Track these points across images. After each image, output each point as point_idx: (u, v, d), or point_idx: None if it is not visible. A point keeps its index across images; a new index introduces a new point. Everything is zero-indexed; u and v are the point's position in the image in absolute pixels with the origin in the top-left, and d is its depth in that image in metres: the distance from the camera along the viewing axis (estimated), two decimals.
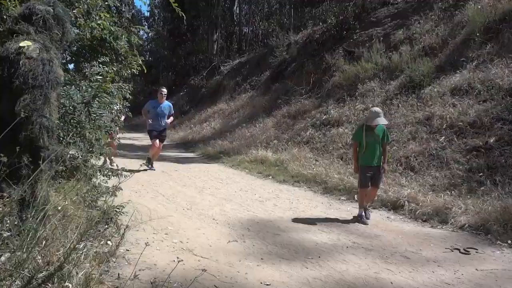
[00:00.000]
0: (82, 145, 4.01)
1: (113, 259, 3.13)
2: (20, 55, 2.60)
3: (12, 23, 2.83)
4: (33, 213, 2.12)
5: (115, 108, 4.59)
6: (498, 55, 7.14)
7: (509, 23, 7.50)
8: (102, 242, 3.20)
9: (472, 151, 5.71)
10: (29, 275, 1.98)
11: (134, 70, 4.71)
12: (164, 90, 8.43)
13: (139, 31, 5.24)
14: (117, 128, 4.72)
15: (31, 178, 2.17)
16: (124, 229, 3.34)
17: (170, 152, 12.75)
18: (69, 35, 3.03)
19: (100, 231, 3.41)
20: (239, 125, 13.33)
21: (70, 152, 4.41)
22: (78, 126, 3.95)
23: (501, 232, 4.02)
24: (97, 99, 4.08)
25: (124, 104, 4.86)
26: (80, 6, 4.26)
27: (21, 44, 2.66)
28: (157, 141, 8.22)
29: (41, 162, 2.17)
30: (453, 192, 5.09)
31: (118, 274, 2.90)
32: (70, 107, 3.96)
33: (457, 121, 6.37)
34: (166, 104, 8.33)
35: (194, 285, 2.85)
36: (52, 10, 2.90)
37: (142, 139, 18.01)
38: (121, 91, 4.49)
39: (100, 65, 4.29)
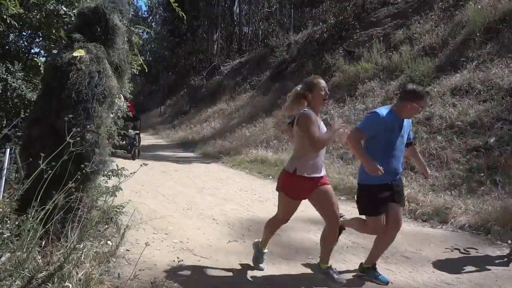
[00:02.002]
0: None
1: (113, 259, 3.13)
2: (71, 66, 2.57)
3: (69, 31, 2.80)
4: (33, 213, 2.13)
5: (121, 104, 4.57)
6: (498, 55, 7.14)
7: (509, 23, 7.50)
8: (102, 242, 3.20)
9: (472, 151, 5.71)
10: (29, 275, 1.98)
11: (134, 70, 4.70)
12: None
13: (142, 32, 5.24)
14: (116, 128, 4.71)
15: (69, 186, 2.15)
16: (124, 229, 3.34)
17: (170, 152, 12.75)
18: (118, 29, 2.85)
19: (100, 231, 3.41)
20: (239, 125, 13.33)
21: None
22: None
23: (501, 232, 4.02)
24: None
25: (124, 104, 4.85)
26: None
27: (75, 53, 2.62)
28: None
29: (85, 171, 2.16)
30: (453, 192, 5.09)
31: (118, 274, 2.90)
32: None
33: (457, 121, 6.37)
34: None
35: (194, 285, 2.86)
36: (92, 5, 2.78)
37: (142, 139, 18.02)
38: (121, 91, 4.48)
39: None
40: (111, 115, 3.02)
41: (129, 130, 10.15)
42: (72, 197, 2.20)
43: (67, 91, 2.58)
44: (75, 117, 2.56)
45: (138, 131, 10.84)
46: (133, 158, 9.95)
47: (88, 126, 2.58)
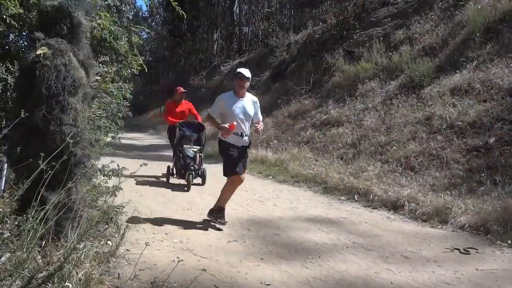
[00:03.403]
0: None
1: (113, 259, 3.13)
2: (37, 64, 2.59)
3: (30, 32, 2.85)
4: (33, 213, 2.13)
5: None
6: (498, 55, 7.14)
7: (509, 23, 7.50)
8: (102, 242, 3.20)
9: (472, 151, 5.70)
10: (29, 275, 1.98)
11: (134, 70, 4.71)
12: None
13: (141, 32, 5.25)
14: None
15: (62, 183, 2.18)
16: (124, 229, 3.35)
17: (170, 152, 12.74)
18: (83, 27, 2.86)
19: (100, 231, 3.41)
20: None
21: None
22: None
23: (501, 232, 4.02)
24: (96, 99, 4.07)
25: (124, 104, 4.85)
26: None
27: (38, 52, 2.64)
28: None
29: (71, 167, 2.18)
30: (453, 192, 5.09)
31: (118, 274, 2.90)
32: None
33: (457, 121, 6.37)
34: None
35: (194, 285, 2.85)
36: (55, 3, 2.78)
37: (142, 139, 18.02)
38: (121, 91, 4.49)
39: (100, 65, 4.29)
40: (89, 108, 3.02)
41: (187, 146, 6.90)
42: (60, 195, 2.20)
43: (37, 88, 2.59)
44: (49, 112, 2.57)
45: (202, 146, 7.14)
46: (187, 188, 6.46)
47: (65, 119, 2.58)
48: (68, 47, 2.73)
